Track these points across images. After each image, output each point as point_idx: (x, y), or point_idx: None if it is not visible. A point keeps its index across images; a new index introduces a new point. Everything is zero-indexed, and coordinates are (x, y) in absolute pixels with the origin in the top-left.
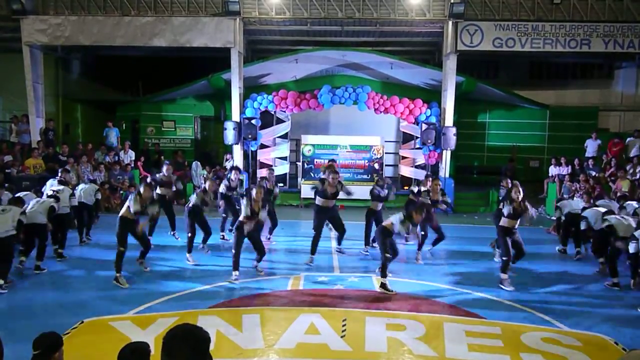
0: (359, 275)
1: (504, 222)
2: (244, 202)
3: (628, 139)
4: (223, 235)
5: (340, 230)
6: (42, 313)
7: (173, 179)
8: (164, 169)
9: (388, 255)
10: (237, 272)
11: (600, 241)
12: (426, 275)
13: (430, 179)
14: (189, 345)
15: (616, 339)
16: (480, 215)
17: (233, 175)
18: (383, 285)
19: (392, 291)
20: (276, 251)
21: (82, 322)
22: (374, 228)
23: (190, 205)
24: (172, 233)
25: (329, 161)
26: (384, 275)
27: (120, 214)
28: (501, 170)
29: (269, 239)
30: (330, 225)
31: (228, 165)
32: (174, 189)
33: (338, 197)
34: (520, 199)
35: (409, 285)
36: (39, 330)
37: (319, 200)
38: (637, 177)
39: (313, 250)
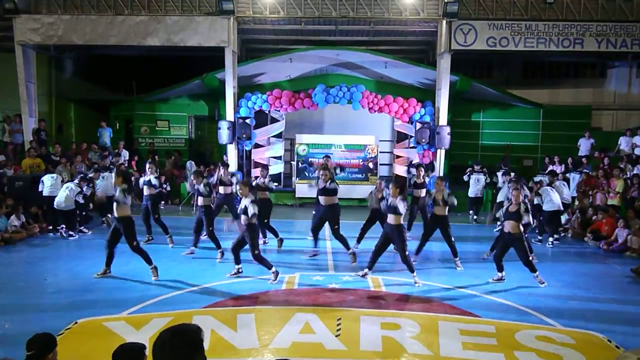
0: (353, 274)
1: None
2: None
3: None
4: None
5: (335, 235)
6: (36, 313)
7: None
8: (147, 167)
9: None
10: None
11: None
12: (420, 274)
13: (422, 169)
14: (172, 347)
15: (609, 336)
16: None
17: (222, 171)
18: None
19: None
20: (271, 251)
21: (76, 322)
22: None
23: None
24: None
25: (324, 156)
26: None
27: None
28: (495, 167)
29: (264, 242)
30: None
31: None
32: (156, 190)
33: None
34: (516, 201)
35: (403, 285)
36: (33, 331)
37: None
38: (629, 175)
39: (314, 243)
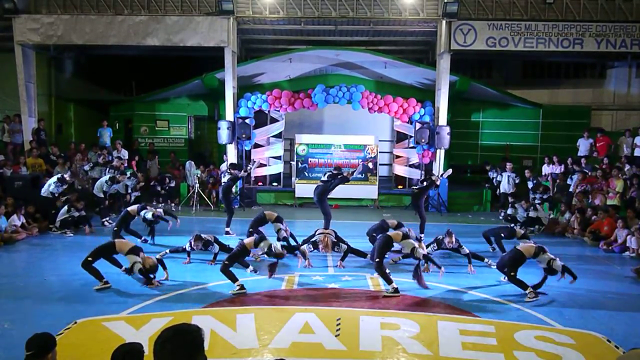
0: (353, 274)
1: None
2: None
3: (620, 138)
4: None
5: None
6: (35, 313)
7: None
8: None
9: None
10: None
11: None
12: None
13: None
14: (173, 346)
15: (609, 336)
16: (474, 214)
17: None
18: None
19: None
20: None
21: (76, 322)
22: None
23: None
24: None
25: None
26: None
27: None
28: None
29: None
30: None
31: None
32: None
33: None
34: None
35: (403, 285)
36: (33, 331)
37: None
38: (627, 175)
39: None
